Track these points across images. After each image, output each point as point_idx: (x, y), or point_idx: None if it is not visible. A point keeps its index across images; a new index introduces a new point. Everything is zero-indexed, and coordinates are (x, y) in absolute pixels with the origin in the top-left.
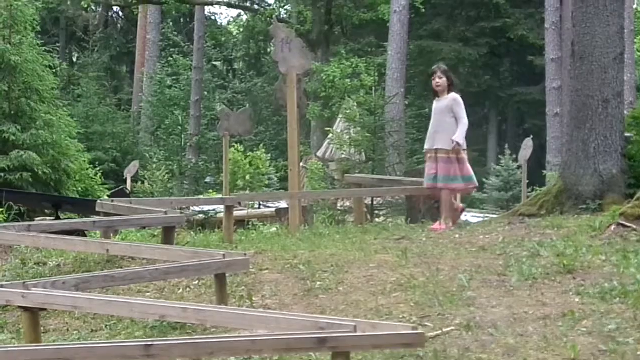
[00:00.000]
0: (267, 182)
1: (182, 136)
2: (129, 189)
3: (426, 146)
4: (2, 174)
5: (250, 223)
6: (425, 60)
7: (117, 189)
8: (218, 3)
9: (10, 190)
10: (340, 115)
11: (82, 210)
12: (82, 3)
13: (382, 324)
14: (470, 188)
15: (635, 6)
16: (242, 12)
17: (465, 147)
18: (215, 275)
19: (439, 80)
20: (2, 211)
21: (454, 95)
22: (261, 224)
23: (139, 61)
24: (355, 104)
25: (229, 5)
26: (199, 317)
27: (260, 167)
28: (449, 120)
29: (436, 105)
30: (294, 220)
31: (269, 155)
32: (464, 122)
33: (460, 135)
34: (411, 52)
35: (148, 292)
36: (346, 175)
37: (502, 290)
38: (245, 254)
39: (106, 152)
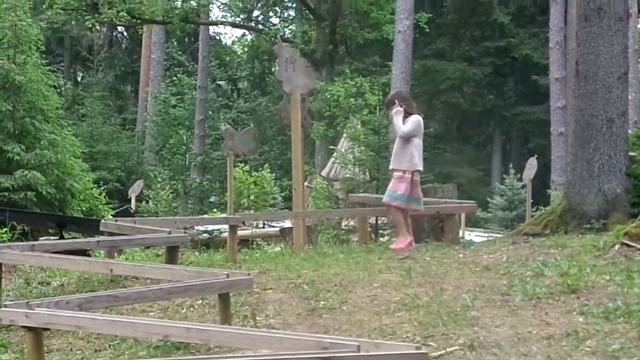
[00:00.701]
0: (271, 202)
1: (187, 155)
2: (134, 208)
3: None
4: (6, 194)
5: (254, 242)
6: (430, 80)
7: (121, 209)
8: (222, 23)
9: (14, 210)
10: (345, 135)
11: (86, 230)
12: (87, 23)
13: (386, 344)
14: (415, 210)
15: (639, 26)
16: (247, 32)
17: (415, 170)
18: (218, 295)
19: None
20: (6, 231)
21: (411, 118)
22: (265, 243)
23: (143, 80)
24: (360, 123)
25: (234, 25)
26: (202, 337)
27: (265, 186)
28: (405, 142)
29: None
30: (298, 239)
31: (273, 174)
32: (418, 143)
33: (417, 160)
34: (415, 72)
35: (152, 311)
36: (350, 194)
37: (505, 310)
38: (249, 274)
39: (110, 171)
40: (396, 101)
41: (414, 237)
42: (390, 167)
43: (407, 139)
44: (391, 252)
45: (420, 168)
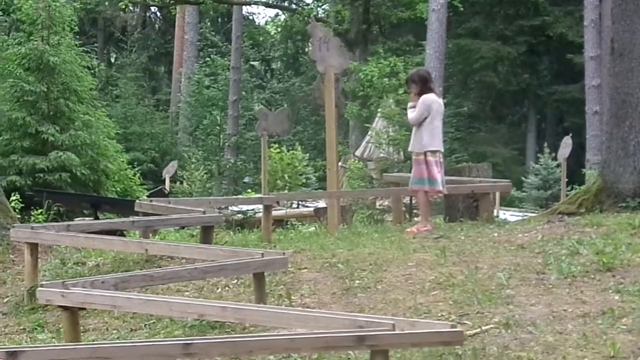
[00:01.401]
0: (305, 182)
1: (221, 136)
2: (168, 189)
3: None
4: (41, 175)
5: (288, 222)
6: (464, 59)
7: (155, 189)
8: (256, 3)
9: (50, 191)
10: (379, 114)
11: (120, 211)
12: (120, 4)
13: (421, 322)
14: (433, 191)
15: None
16: (280, 12)
17: (425, 150)
18: (253, 274)
19: (413, 89)
20: (42, 211)
21: (422, 98)
22: (299, 223)
23: (176, 61)
24: (394, 102)
25: (267, 5)
26: (237, 316)
27: (297, 165)
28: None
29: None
30: (332, 219)
31: (307, 155)
32: (412, 121)
33: (424, 141)
34: (449, 51)
35: (187, 291)
36: (384, 174)
37: (541, 288)
38: (283, 253)
39: (144, 152)
40: (413, 84)
41: (448, 216)
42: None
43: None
44: (425, 232)
45: (433, 148)
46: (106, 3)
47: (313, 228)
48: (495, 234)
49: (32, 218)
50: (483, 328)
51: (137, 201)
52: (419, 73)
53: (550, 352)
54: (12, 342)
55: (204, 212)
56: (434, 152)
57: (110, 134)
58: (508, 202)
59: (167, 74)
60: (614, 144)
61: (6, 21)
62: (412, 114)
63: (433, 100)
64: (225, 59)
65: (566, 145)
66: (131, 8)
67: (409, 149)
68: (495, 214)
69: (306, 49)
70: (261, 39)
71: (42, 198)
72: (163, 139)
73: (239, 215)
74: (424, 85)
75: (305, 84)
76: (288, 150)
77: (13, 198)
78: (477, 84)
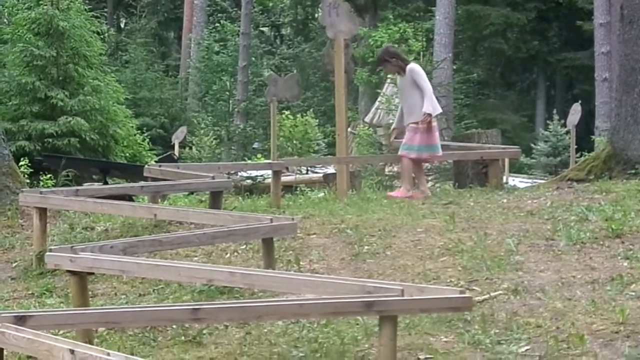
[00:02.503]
0: (315, 148)
1: (230, 102)
2: (177, 154)
3: (395, 125)
4: (50, 140)
5: (297, 188)
6: (473, 25)
7: (164, 155)
8: None
9: (59, 156)
10: (388, 80)
11: (129, 176)
12: None
13: (430, 288)
14: (433, 157)
15: None
16: None
17: (436, 114)
18: (262, 240)
19: (392, 67)
20: (50, 176)
21: (411, 66)
22: (309, 189)
23: (186, 27)
24: None
25: None
26: (246, 281)
27: (309, 132)
28: (415, 92)
29: (400, 82)
30: (341, 185)
31: (317, 120)
32: (427, 91)
33: (427, 106)
34: (459, 17)
35: (195, 256)
36: (394, 139)
37: (550, 255)
38: (292, 219)
39: (154, 118)
40: (388, 64)
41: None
42: (406, 123)
43: (414, 87)
44: (435, 198)
45: (438, 112)
46: None
47: (322, 194)
48: (505, 200)
49: (41, 183)
50: (492, 294)
51: (146, 166)
52: (389, 50)
53: (559, 319)
54: (21, 306)
55: (213, 178)
56: (437, 116)
57: (120, 99)
58: (517, 169)
59: (177, 39)
60: (623, 111)
61: None
62: (425, 85)
63: (420, 68)
64: (235, 24)
65: (575, 112)
66: None
67: (409, 120)
68: (504, 180)
69: (316, 15)
70: (271, 4)
71: (51, 163)
72: (172, 105)
73: (248, 180)
74: (399, 58)
75: (315, 50)
76: (302, 116)
77: (22, 163)
78: (487, 51)
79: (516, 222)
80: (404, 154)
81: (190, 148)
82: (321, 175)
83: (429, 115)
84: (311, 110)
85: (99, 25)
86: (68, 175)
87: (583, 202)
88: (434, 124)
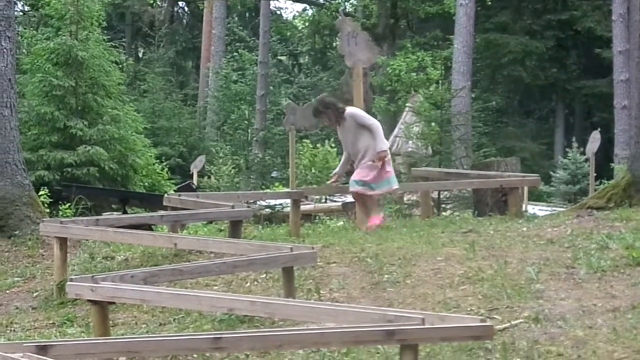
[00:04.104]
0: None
1: (249, 131)
2: (196, 183)
3: (338, 170)
4: (70, 169)
5: (316, 217)
6: (492, 54)
7: (183, 184)
8: None
9: (78, 185)
10: (407, 109)
11: (149, 205)
12: None
13: (450, 317)
14: (391, 191)
15: None
16: (308, 6)
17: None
18: (282, 269)
19: (328, 118)
20: (70, 206)
21: (350, 111)
22: (328, 218)
23: (204, 56)
24: (421, 96)
25: (295, 0)
26: (267, 310)
27: (329, 161)
28: (364, 133)
29: (341, 129)
30: (360, 214)
31: (335, 149)
32: (377, 127)
33: (382, 144)
34: (477, 45)
35: (215, 285)
36: (413, 168)
37: (570, 283)
38: (312, 248)
39: (172, 147)
40: (328, 112)
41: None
42: (358, 165)
43: (361, 129)
44: (454, 226)
45: (384, 147)
46: None
47: (341, 222)
48: (524, 229)
49: (60, 212)
50: (513, 322)
51: (166, 195)
52: (324, 101)
53: (580, 347)
54: (42, 336)
55: (232, 207)
56: (385, 151)
57: (138, 129)
58: (536, 197)
59: (195, 68)
60: None
61: (35, 16)
62: (373, 122)
63: (357, 108)
64: (253, 53)
65: (594, 139)
66: (159, 3)
67: (366, 160)
68: (524, 208)
69: (334, 44)
70: (289, 33)
71: (71, 193)
72: (191, 134)
73: (267, 209)
74: (336, 106)
75: (333, 79)
76: (322, 145)
77: (42, 193)
78: (505, 79)
79: (536, 250)
80: (362, 190)
81: (209, 177)
82: (340, 204)
83: (385, 151)
84: (331, 140)
85: (118, 55)
86: (87, 205)
87: (603, 230)
88: (388, 157)
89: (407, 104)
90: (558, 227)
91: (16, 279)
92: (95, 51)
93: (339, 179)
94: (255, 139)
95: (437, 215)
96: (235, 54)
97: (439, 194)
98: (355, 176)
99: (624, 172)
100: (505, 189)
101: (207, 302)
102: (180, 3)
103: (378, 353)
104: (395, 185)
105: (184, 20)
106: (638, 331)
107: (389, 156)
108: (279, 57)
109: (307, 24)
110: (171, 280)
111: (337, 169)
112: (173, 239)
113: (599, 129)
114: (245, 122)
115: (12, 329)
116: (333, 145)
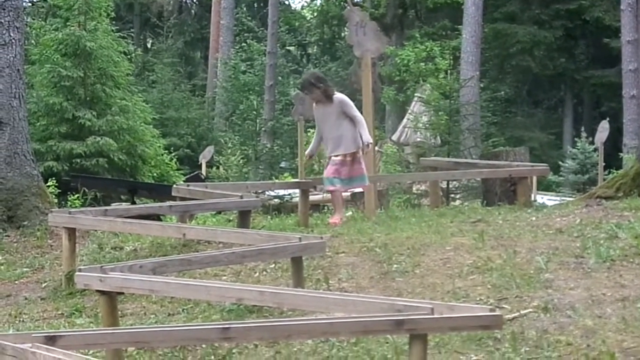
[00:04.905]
0: None
1: (257, 121)
2: (204, 174)
3: (311, 151)
4: (78, 160)
5: (325, 207)
6: (500, 43)
7: (192, 174)
8: None
9: (86, 176)
10: (416, 99)
11: (157, 195)
12: None
13: (460, 306)
14: (362, 187)
15: None
16: None
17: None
18: (291, 259)
19: (319, 94)
20: (78, 196)
21: (340, 97)
22: None
23: (213, 47)
24: (429, 86)
25: None
26: (275, 300)
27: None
28: (344, 122)
29: (323, 110)
30: (369, 203)
31: None
32: (362, 120)
33: (368, 136)
34: (486, 35)
35: (224, 275)
36: (421, 158)
37: (579, 272)
38: (321, 237)
39: (181, 137)
40: (315, 88)
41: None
42: (329, 154)
43: (343, 117)
44: (463, 216)
45: (371, 140)
46: None
47: (350, 212)
48: (533, 218)
49: (69, 203)
50: (522, 312)
51: (175, 186)
52: (317, 76)
53: (590, 336)
54: (51, 326)
55: (241, 197)
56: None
57: (147, 119)
58: (545, 187)
59: (204, 59)
60: None
61: (43, 7)
62: (358, 114)
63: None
64: (262, 44)
65: (603, 129)
66: None
67: (344, 151)
68: (532, 198)
69: (342, 34)
70: (297, 23)
71: (78, 183)
72: (199, 124)
73: (276, 199)
74: (327, 85)
75: (342, 69)
76: None
77: (50, 183)
78: (514, 69)
79: (545, 239)
80: (334, 188)
81: (218, 167)
82: (349, 194)
83: (369, 144)
84: None
85: (126, 45)
86: (95, 195)
87: (612, 220)
88: (360, 154)
89: (415, 94)
90: (567, 216)
91: (25, 269)
92: (103, 42)
93: (311, 158)
94: (263, 129)
95: (446, 205)
96: (243, 44)
97: (447, 184)
98: (329, 173)
99: (632, 162)
100: (514, 179)
101: (215, 292)
102: None
103: (387, 343)
104: (367, 182)
105: (193, 11)
106: None
107: (361, 153)
108: (288, 48)
109: (315, 14)
110: (180, 270)
111: (310, 149)
112: (182, 229)
113: (607, 119)
114: (254, 112)
115: (21, 319)
116: None
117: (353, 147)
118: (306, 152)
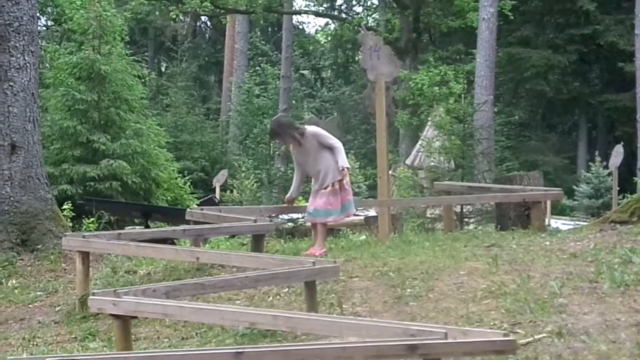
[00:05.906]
0: (356, 190)
1: (271, 145)
2: (218, 197)
3: (294, 194)
4: (92, 183)
5: (339, 231)
6: (514, 68)
7: (206, 198)
8: (306, 12)
9: (100, 200)
10: (429, 123)
11: (171, 219)
12: (171, 13)
13: (473, 331)
14: (347, 216)
15: None
16: (330, 21)
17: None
18: (305, 283)
19: (288, 139)
20: (93, 220)
21: (312, 130)
22: (350, 231)
23: (227, 70)
24: (445, 111)
25: (317, 14)
26: (289, 325)
27: (351, 174)
28: (324, 153)
29: (299, 149)
30: (383, 228)
31: (358, 163)
32: (339, 145)
33: (344, 161)
34: (500, 59)
35: (238, 299)
36: (435, 182)
37: (593, 297)
38: (335, 262)
39: (195, 161)
40: (287, 136)
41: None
42: (318, 188)
43: (322, 149)
44: (477, 240)
45: (346, 164)
46: (157, 13)
47: (364, 236)
48: (547, 243)
49: (83, 227)
50: (536, 337)
51: (188, 210)
52: (280, 122)
53: None
54: (64, 350)
55: (255, 221)
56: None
57: (161, 143)
58: (559, 211)
59: (218, 83)
60: None
61: (57, 31)
62: (334, 141)
63: (317, 127)
64: (276, 67)
65: (617, 154)
66: (182, 18)
67: (331, 180)
68: (546, 222)
69: (356, 58)
70: (311, 47)
71: (92, 207)
72: (213, 148)
73: (289, 223)
74: (292, 127)
75: (356, 93)
76: None
77: (65, 207)
78: (528, 93)
79: (559, 264)
80: (327, 220)
81: (231, 191)
82: (362, 217)
83: (347, 168)
84: (352, 152)
85: (140, 69)
86: (109, 219)
87: (627, 244)
88: (347, 180)
89: (429, 118)
90: (581, 241)
91: (39, 293)
92: (117, 65)
93: (293, 202)
94: (277, 153)
95: (460, 229)
96: (257, 68)
97: (461, 208)
98: (320, 205)
99: None
100: (528, 203)
101: (229, 316)
102: (202, 18)
103: None
104: (354, 210)
105: (207, 35)
106: None
107: (348, 178)
108: (302, 71)
109: (329, 38)
110: (193, 294)
111: (292, 192)
112: (195, 253)
113: (621, 143)
114: (268, 136)
115: (35, 343)
116: (354, 159)
117: (339, 175)
118: (286, 197)
